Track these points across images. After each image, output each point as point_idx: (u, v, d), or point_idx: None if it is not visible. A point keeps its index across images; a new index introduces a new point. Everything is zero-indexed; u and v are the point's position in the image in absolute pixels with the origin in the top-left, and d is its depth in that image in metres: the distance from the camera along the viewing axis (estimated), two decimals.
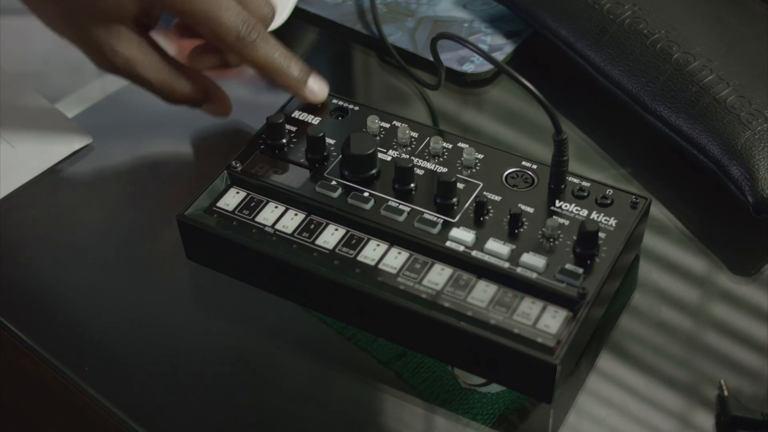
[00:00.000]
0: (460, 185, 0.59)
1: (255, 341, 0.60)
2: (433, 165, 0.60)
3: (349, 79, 0.79)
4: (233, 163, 0.61)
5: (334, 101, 0.65)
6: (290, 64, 0.63)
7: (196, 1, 0.59)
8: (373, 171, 0.59)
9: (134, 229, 0.66)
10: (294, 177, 0.60)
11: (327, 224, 0.58)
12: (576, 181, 0.59)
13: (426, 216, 0.57)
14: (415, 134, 0.62)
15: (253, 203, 0.59)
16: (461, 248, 0.56)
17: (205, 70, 0.66)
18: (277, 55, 0.62)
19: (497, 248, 0.55)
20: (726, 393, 0.54)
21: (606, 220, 0.57)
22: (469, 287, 0.55)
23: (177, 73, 0.63)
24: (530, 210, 0.58)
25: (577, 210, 0.58)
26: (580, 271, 0.54)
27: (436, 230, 0.57)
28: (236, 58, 0.63)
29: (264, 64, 0.62)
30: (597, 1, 0.71)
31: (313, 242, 0.57)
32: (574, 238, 0.56)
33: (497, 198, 0.58)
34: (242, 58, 0.62)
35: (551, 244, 0.56)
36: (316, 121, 0.64)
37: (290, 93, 0.64)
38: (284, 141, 0.62)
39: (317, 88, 0.64)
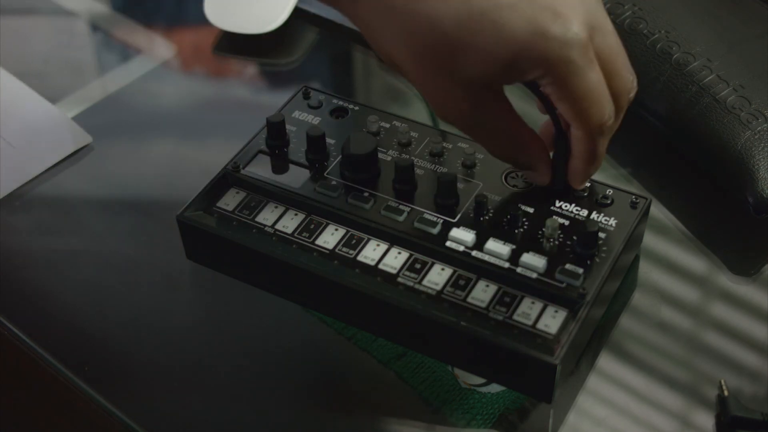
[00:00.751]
0: (460, 185, 0.59)
1: (255, 341, 0.60)
2: (433, 165, 0.60)
3: (349, 79, 0.79)
4: (233, 163, 0.61)
5: (334, 101, 0.65)
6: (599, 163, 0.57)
7: (586, 79, 0.52)
8: (373, 171, 0.59)
9: (134, 229, 0.66)
10: (294, 177, 0.60)
11: (327, 224, 0.58)
12: None
13: (426, 216, 0.57)
14: (415, 134, 0.62)
15: (253, 203, 0.59)
16: (461, 248, 0.56)
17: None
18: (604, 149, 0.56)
19: (497, 248, 0.55)
20: (726, 393, 0.54)
21: (606, 220, 0.57)
22: (469, 287, 0.55)
23: (517, 142, 0.56)
24: (530, 210, 0.58)
25: (577, 210, 0.58)
26: (580, 271, 0.54)
27: (436, 230, 0.57)
28: (583, 141, 0.55)
29: (597, 156, 0.56)
30: None
31: (313, 242, 0.57)
32: (574, 238, 0.56)
33: (497, 198, 0.58)
34: (585, 145, 0.55)
35: (551, 244, 0.56)
36: (316, 121, 0.64)
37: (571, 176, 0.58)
38: (284, 141, 0.62)
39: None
